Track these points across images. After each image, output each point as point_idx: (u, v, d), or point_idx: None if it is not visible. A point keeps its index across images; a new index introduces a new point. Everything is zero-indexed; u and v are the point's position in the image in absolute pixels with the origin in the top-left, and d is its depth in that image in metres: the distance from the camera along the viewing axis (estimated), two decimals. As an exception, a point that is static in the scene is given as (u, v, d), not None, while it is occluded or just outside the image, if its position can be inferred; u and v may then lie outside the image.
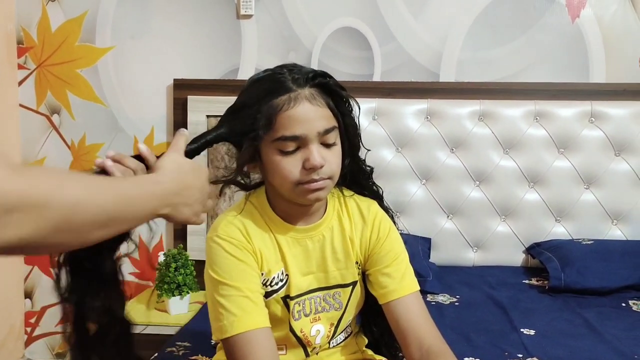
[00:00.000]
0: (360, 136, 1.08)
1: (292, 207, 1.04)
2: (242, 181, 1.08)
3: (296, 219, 1.06)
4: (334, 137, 0.99)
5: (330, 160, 0.98)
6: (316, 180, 0.97)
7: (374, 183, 1.16)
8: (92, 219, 0.64)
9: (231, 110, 1.00)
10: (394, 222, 1.16)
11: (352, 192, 1.13)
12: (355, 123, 1.06)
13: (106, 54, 2.45)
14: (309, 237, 1.07)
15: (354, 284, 1.11)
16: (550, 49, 2.31)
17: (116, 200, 0.68)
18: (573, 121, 2.22)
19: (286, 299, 1.07)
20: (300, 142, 0.96)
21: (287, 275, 1.06)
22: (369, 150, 1.13)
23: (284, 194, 1.01)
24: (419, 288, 1.10)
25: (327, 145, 0.98)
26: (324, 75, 1.00)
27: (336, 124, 1.00)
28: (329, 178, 0.99)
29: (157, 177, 0.78)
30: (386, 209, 1.16)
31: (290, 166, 0.96)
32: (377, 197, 1.16)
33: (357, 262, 1.11)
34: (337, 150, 1.01)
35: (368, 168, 1.14)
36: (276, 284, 1.06)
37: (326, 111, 0.98)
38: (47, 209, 0.58)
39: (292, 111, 0.94)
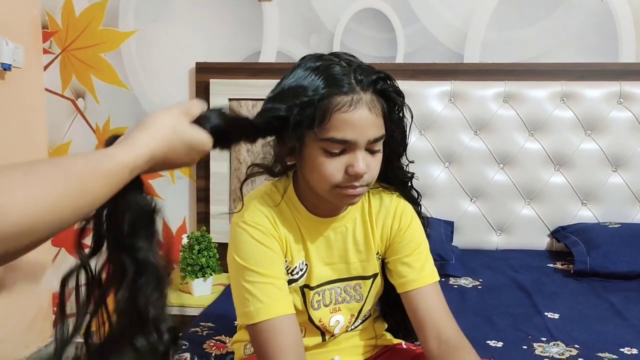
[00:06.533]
0: (406, 145, 1.05)
1: (320, 200, 1.02)
2: (275, 170, 1.05)
3: (322, 211, 1.05)
4: (380, 145, 0.97)
5: (372, 167, 0.96)
6: (355, 187, 0.95)
7: (412, 187, 1.13)
8: (46, 235, 0.56)
9: (278, 94, 0.94)
10: (425, 227, 1.13)
11: (379, 185, 1.10)
12: (404, 131, 1.03)
13: (129, 37, 2.46)
14: (332, 229, 1.06)
15: (374, 276, 1.11)
16: (578, 29, 2.25)
17: (76, 206, 0.58)
18: (601, 102, 2.18)
19: (304, 289, 1.07)
20: (348, 146, 0.93)
21: (306, 265, 1.06)
22: (412, 161, 1.11)
23: (318, 192, 0.99)
24: (438, 279, 1.09)
25: (372, 152, 0.96)
26: (385, 79, 0.95)
27: (385, 132, 0.97)
28: (367, 184, 0.97)
29: (136, 160, 0.65)
30: (420, 214, 1.13)
31: (332, 169, 0.93)
32: (414, 203, 1.13)
33: (377, 253, 1.10)
34: (380, 157, 0.98)
35: (408, 174, 1.11)
36: (297, 273, 1.06)
37: (380, 120, 0.95)
38: None
39: (350, 114, 0.90)
